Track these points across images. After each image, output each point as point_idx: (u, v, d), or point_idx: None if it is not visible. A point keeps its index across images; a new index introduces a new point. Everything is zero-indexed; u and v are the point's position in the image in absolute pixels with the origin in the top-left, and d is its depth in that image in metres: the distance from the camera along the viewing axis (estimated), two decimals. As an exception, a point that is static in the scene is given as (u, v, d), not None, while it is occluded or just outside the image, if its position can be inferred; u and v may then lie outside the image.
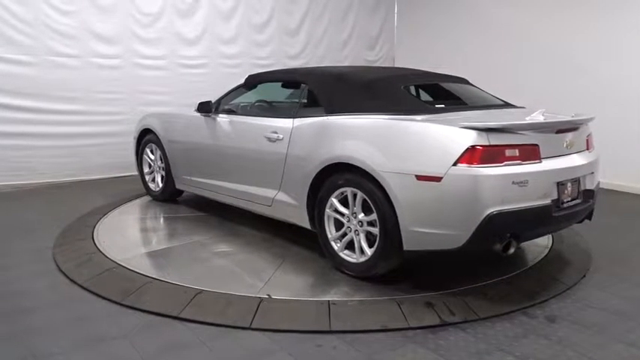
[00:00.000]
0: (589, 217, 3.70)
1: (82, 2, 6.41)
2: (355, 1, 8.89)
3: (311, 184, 3.64)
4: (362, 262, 3.39)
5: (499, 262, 3.71)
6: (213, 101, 4.76)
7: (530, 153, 3.07)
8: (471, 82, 4.38)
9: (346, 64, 8.70)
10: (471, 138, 2.94)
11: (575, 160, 3.35)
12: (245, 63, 7.65)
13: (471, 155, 2.91)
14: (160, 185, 5.45)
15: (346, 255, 3.50)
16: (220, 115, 4.63)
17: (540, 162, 3.10)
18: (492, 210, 2.90)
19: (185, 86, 7.25)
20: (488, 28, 7.78)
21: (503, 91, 7.51)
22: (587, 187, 3.49)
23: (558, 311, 3.05)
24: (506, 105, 4.05)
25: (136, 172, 5.84)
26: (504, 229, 3.00)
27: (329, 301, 3.08)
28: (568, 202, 3.29)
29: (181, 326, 2.85)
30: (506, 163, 2.96)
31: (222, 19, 7.56)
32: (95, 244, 4.10)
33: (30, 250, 4.06)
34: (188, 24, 7.26)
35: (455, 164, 2.93)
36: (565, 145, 3.29)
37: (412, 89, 4.14)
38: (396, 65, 9.36)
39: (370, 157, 3.25)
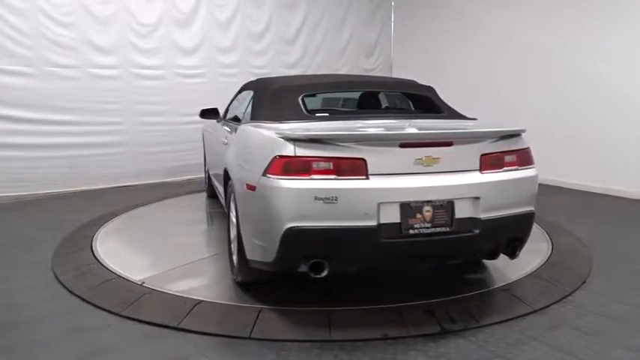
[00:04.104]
0: (510, 253, 3.17)
1: (80, 14, 6.45)
2: (352, 9, 8.95)
3: (225, 188, 3.79)
4: (236, 267, 3.41)
5: (499, 269, 3.70)
6: (217, 108, 5.04)
7: (351, 167, 2.75)
8: (435, 91, 4.10)
9: (343, 72, 8.75)
10: (278, 147, 2.78)
11: (438, 180, 2.86)
12: (243, 72, 7.69)
13: (276, 165, 2.75)
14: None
15: (235, 258, 3.50)
16: (222, 122, 4.82)
17: (366, 178, 2.76)
18: (291, 225, 2.70)
19: (183, 95, 7.29)
20: (484, 36, 7.84)
21: (500, 96, 7.59)
22: (471, 215, 2.91)
23: (559, 317, 3.04)
24: (451, 116, 3.76)
25: (134, 182, 6.16)
26: (306, 248, 2.77)
27: (329, 310, 3.07)
28: (423, 228, 2.84)
29: (181, 337, 2.83)
30: (313, 176, 2.71)
31: (220, 29, 7.60)
32: (94, 254, 4.10)
33: (29, 261, 4.05)
34: (186, 34, 7.31)
35: (264, 174, 2.80)
36: (417, 162, 2.83)
37: (341, 98, 4.21)
38: (393, 72, 9.41)
39: (231, 164, 3.39)
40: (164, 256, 4.07)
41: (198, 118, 5.30)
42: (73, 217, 5.19)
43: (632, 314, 3.09)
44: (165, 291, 3.36)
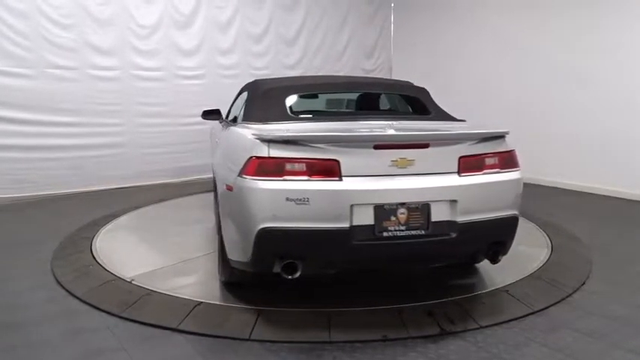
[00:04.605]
0: (491, 258, 3.11)
1: (80, 15, 6.45)
2: (352, 11, 8.96)
3: (215, 188, 3.81)
4: (220, 267, 3.43)
5: (498, 270, 3.70)
6: (219, 109, 4.97)
7: (324, 169, 2.74)
8: (428, 92, 4.01)
9: (343, 73, 8.74)
10: (253, 148, 2.80)
11: (413, 182, 2.82)
12: (243, 73, 7.69)
13: (251, 166, 2.76)
14: None
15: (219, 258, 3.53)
16: (222, 123, 4.80)
17: (339, 180, 2.75)
18: (264, 226, 2.71)
19: (183, 97, 7.29)
20: (484, 37, 7.84)
21: (500, 97, 7.59)
22: (448, 219, 2.87)
23: (559, 319, 3.04)
24: (438, 117, 3.70)
25: (134, 184, 6.16)
26: (278, 248, 2.77)
27: (328, 311, 3.06)
28: (397, 231, 2.81)
29: (181, 338, 2.83)
30: (286, 177, 2.71)
31: (220, 30, 7.61)
32: (94, 256, 4.09)
33: (29, 262, 4.04)
34: (185, 35, 7.31)
35: (240, 174, 2.82)
36: (392, 164, 2.80)
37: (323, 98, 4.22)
38: (393, 73, 9.42)
39: (217, 164, 3.40)
40: (163, 255, 4.08)
41: (198, 119, 5.30)
42: (74, 219, 5.19)
43: (633, 315, 3.09)
44: (164, 292, 3.36)
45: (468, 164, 2.94)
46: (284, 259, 2.79)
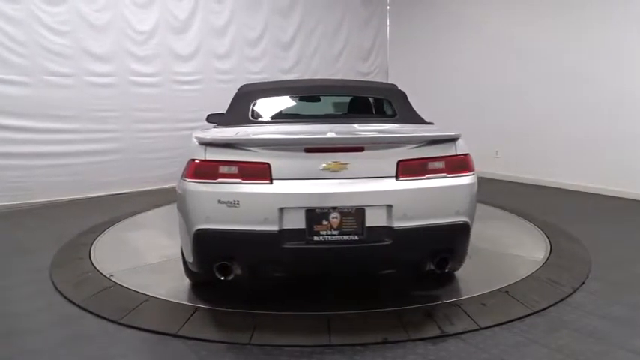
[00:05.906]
0: (438, 266, 2.96)
1: (76, 22, 6.45)
2: (347, 14, 8.98)
3: None
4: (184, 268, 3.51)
5: (497, 271, 3.70)
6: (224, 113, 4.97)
7: (255, 172, 2.78)
8: (404, 95, 3.89)
9: (339, 76, 8.76)
10: (194, 152, 2.89)
11: (346, 186, 2.79)
12: (239, 78, 7.67)
13: (190, 169, 2.86)
14: None
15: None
16: None
17: (270, 183, 2.78)
18: (199, 227, 2.80)
19: (180, 102, 7.29)
20: (481, 39, 7.86)
21: (498, 99, 7.61)
22: (383, 224, 2.81)
23: (558, 319, 3.04)
24: (403, 120, 3.64)
25: (132, 190, 6.17)
26: (212, 249, 2.87)
27: (328, 314, 3.06)
28: (329, 236, 2.80)
29: (180, 344, 2.82)
30: (220, 180, 2.78)
31: (216, 35, 7.62)
32: (92, 262, 4.08)
33: (27, 270, 4.03)
34: (182, 41, 7.32)
35: (182, 177, 2.92)
36: (325, 168, 2.79)
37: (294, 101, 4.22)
38: (389, 76, 9.43)
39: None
40: (160, 256, 4.08)
41: (195, 124, 5.31)
42: (71, 225, 5.18)
43: (633, 316, 3.09)
44: (163, 297, 3.35)
45: (408, 168, 2.86)
46: (217, 260, 2.86)
